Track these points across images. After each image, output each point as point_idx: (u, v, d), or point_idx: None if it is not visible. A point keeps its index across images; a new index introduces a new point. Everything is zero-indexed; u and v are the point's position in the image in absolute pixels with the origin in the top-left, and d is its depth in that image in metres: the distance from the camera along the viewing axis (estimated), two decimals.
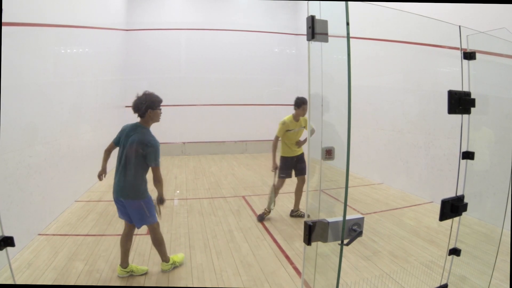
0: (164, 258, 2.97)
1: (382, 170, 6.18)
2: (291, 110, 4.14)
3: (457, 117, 2.10)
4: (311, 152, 1.57)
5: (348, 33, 1.36)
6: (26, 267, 2.98)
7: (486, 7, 3.89)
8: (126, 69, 8.90)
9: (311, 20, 1.38)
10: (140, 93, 2.82)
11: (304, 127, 4.19)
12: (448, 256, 2.31)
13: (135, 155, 2.71)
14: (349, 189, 1.47)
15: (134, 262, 3.09)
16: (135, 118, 2.88)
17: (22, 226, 3.41)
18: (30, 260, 3.11)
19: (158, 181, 2.75)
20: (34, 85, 3.83)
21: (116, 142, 2.84)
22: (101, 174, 2.95)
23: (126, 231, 2.92)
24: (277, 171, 4.21)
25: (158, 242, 2.93)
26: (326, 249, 1.50)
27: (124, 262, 2.89)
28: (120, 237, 2.96)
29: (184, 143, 9.59)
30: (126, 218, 2.89)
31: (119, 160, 2.79)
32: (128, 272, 2.90)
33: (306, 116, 4.04)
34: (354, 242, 1.43)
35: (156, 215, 2.89)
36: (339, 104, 1.57)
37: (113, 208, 4.72)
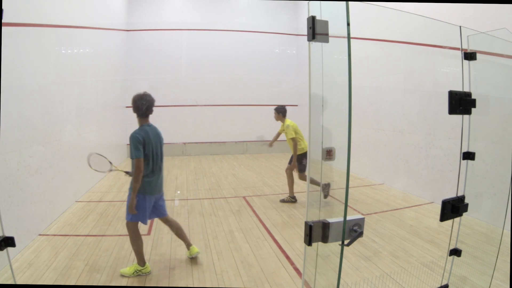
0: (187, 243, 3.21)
1: (383, 170, 6.18)
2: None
3: (457, 118, 2.10)
4: (311, 153, 1.57)
5: (348, 34, 1.36)
6: (27, 267, 2.98)
7: (487, 7, 3.89)
8: (126, 69, 8.90)
9: (312, 21, 1.38)
10: (140, 93, 2.87)
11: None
12: (448, 257, 2.31)
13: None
14: (349, 190, 1.47)
15: (132, 263, 3.09)
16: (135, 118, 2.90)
17: (22, 226, 3.41)
18: (30, 260, 3.12)
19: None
20: (34, 85, 3.83)
21: (143, 154, 2.81)
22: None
23: (138, 231, 2.99)
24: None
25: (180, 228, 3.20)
26: (327, 249, 1.50)
27: (143, 261, 2.96)
28: (129, 239, 2.98)
29: (184, 143, 9.59)
30: (152, 216, 3.05)
31: (158, 161, 2.92)
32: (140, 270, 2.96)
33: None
34: (355, 243, 1.43)
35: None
36: (339, 105, 1.57)
37: (113, 208, 4.74)
